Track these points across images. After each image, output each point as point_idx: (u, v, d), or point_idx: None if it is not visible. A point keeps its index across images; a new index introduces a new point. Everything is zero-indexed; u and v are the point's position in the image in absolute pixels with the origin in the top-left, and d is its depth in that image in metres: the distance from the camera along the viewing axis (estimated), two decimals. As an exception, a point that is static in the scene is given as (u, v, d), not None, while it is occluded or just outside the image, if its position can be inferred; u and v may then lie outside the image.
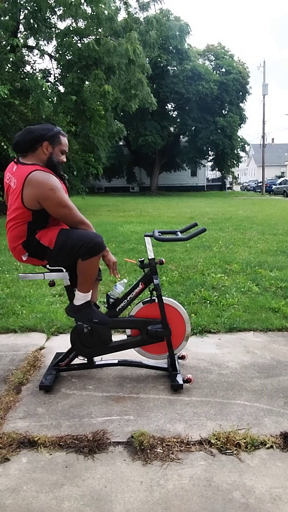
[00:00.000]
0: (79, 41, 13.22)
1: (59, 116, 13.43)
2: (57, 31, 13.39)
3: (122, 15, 13.80)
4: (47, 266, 2.30)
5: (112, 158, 29.42)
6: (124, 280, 2.63)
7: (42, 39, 13.24)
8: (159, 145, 28.54)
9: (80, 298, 2.30)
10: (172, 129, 31.80)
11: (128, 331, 2.48)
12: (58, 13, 12.80)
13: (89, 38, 12.89)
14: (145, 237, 2.36)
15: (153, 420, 1.99)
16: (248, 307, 3.59)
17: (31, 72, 13.47)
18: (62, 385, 2.36)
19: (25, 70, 13.44)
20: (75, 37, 13.16)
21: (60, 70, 14.00)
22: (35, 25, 12.20)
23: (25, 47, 12.99)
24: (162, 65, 26.80)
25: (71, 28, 13.00)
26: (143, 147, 28.11)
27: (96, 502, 1.51)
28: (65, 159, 2.28)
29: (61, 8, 12.41)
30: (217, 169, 36.39)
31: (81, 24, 13.11)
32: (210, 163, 36.62)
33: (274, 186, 32.32)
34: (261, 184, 34.79)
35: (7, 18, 11.88)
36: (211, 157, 34.60)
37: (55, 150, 2.20)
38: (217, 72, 30.34)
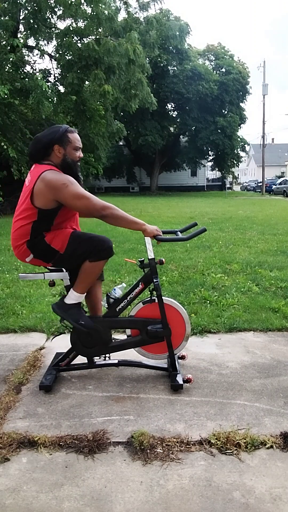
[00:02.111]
0: (79, 41, 13.23)
1: (59, 116, 13.44)
2: (57, 31, 13.41)
3: (122, 15, 13.85)
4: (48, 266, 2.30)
5: (112, 158, 29.42)
6: (122, 284, 2.63)
7: (42, 39, 13.26)
8: (159, 145, 28.54)
9: (73, 297, 2.28)
10: (172, 129, 31.79)
11: (128, 331, 2.48)
12: (58, 13, 12.82)
13: (89, 38, 12.91)
14: (145, 237, 2.36)
15: (153, 420, 1.99)
16: (248, 307, 3.59)
17: (31, 72, 13.49)
18: (62, 385, 2.36)
19: (25, 70, 13.46)
20: (75, 37, 13.18)
21: (60, 70, 14.02)
22: (35, 25, 12.21)
23: (25, 47, 13.00)
24: (162, 65, 26.78)
25: (71, 28, 13.02)
26: (143, 147, 28.10)
27: (96, 502, 1.51)
28: (81, 155, 2.27)
29: (61, 8, 12.42)
30: (217, 169, 36.39)
31: (81, 24, 13.13)
32: (210, 163, 36.62)
33: (274, 186, 32.31)
34: (261, 184, 34.79)
35: (7, 18, 11.89)
36: (211, 157, 34.59)
37: (68, 149, 2.19)
38: (217, 72, 30.32)
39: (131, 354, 2.55)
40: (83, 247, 2.17)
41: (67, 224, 2.28)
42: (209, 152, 32.87)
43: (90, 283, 2.28)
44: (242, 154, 35.80)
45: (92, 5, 12.15)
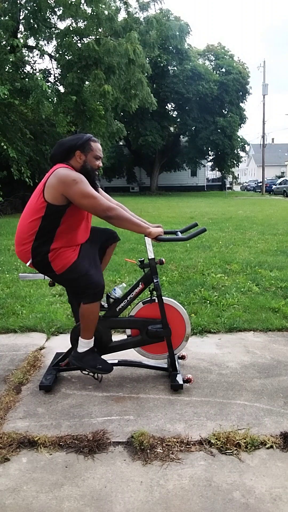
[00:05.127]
0: (79, 41, 13.22)
1: (59, 116, 13.43)
2: (57, 31, 13.39)
3: (122, 15, 13.83)
4: None
5: (112, 158, 29.42)
6: (123, 284, 2.63)
7: (42, 39, 13.25)
8: (159, 145, 28.54)
9: (83, 345, 2.29)
10: (172, 129, 31.80)
11: (128, 331, 2.48)
12: (58, 13, 12.81)
13: (89, 38, 12.90)
14: (145, 237, 2.36)
15: (153, 420, 1.99)
16: (248, 307, 3.59)
17: (31, 72, 13.48)
18: (62, 385, 2.36)
19: (25, 70, 13.44)
20: (75, 37, 13.17)
21: (60, 70, 14.00)
22: (35, 25, 12.21)
23: (25, 47, 12.99)
24: (162, 65, 26.77)
25: (71, 28, 13.01)
26: (143, 147, 28.11)
27: (96, 502, 1.51)
28: (101, 164, 2.29)
29: (61, 8, 12.41)
30: (217, 169, 36.40)
31: (81, 24, 13.11)
32: (210, 163, 36.63)
33: (274, 186, 32.30)
34: (261, 184, 34.78)
35: (7, 18, 11.89)
36: (211, 157, 34.60)
37: (88, 157, 2.22)
38: (217, 72, 30.33)
39: (131, 354, 2.55)
40: (77, 283, 2.20)
41: (76, 235, 2.26)
42: (209, 152, 32.87)
43: (92, 327, 2.28)
44: (242, 154, 35.82)
45: (92, 5, 12.15)
